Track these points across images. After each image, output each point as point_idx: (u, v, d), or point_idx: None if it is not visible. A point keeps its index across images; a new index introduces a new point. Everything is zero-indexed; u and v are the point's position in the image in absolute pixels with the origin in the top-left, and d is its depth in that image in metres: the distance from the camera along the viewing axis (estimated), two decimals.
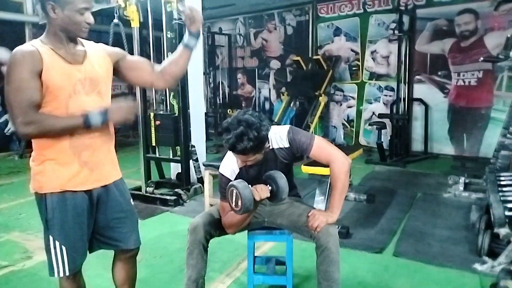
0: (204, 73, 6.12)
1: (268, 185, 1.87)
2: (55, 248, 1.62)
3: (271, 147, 1.94)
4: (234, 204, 1.79)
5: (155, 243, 3.15)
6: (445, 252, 2.96)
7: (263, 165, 1.98)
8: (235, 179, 1.96)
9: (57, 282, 2.56)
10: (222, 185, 2.00)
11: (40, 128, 1.50)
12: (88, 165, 1.64)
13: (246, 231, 2.27)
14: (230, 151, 1.85)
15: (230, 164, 1.99)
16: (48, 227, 1.62)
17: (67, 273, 1.67)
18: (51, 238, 1.63)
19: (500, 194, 3.05)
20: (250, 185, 1.80)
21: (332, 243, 1.88)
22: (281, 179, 1.85)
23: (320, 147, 1.94)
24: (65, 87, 1.56)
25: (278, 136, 1.96)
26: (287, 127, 2.00)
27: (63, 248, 1.62)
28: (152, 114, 4.33)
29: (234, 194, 1.77)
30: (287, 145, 1.97)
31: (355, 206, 4.03)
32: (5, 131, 6.97)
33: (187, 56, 1.82)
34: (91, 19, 1.58)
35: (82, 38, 1.64)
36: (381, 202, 4.12)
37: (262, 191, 1.83)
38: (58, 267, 1.65)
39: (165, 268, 2.77)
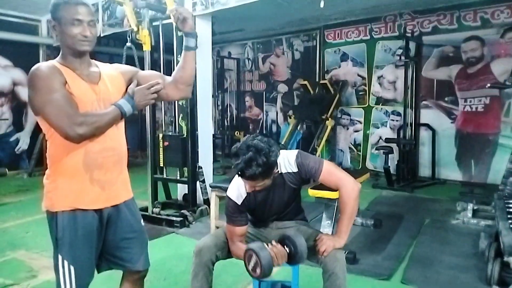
0: (212, 96, 6.20)
1: (285, 246, 1.86)
2: (63, 267, 1.61)
3: (279, 172, 1.94)
4: (251, 268, 1.77)
5: (160, 265, 3.13)
6: (454, 280, 2.91)
7: (271, 189, 1.98)
8: (242, 203, 1.97)
9: None
10: (229, 209, 2.00)
11: (90, 127, 1.53)
12: (99, 184, 1.65)
13: None
14: (239, 176, 1.86)
15: (237, 188, 2.00)
16: (58, 245, 1.62)
17: None
18: (60, 257, 1.62)
19: (510, 221, 3.01)
20: (265, 244, 1.80)
21: (339, 268, 1.87)
22: (300, 241, 1.83)
23: (330, 172, 1.95)
24: (86, 102, 1.60)
25: (287, 161, 1.97)
26: (296, 151, 2.01)
27: (71, 267, 1.61)
28: (161, 135, 4.38)
29: (253, 259, 1.75)
30: (295, 169, 1.97)
31: (362, 231, 4.00)
32: (16, 150, 7.08)
33: (192, 58, 1.83)
34: (86, 32, 1.59)
35: (82, 51, 1.63)
36: (388, 228, 4.08)
37: (280, 257, 1.81)
38: (65, 287, 1.63)
39: None
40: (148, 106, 4.37)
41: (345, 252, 3.16)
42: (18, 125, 7.12)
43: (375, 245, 3.61)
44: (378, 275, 2.97)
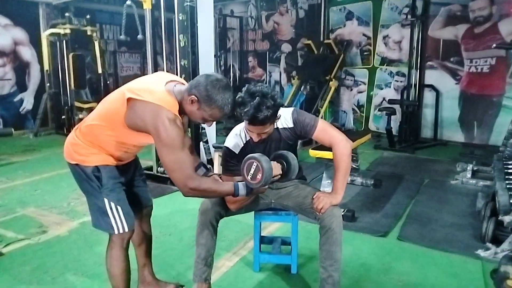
0: (215, 56, 6.13)
1: (278, 163, 1.91)
2: (111, 209, 1.81)
3: (275, 126, 1.98)
4: (251, 177, 1.77)
5: (166, 221, 3.24)
6: (449, 237, 3.01)
7: (268, 144, 2.04)
8: (240, 152, 2.02)
9: (69, 256, 2.68)
10: (227, 158, 2.06)
11: (199, 192, 1.73)
12: (120, 159, 1.89)
13: (253, 212, 2.35)
14: (248, 124, 1.88)
15: (235, 138, 2.06)
16: (102, 191, 1.80)
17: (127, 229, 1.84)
18: (106, 200, 1.80)
19: (507, 182, 3.07)
20: None
21: (335, 224, 1.94)
22: (293, 159, 1.90)
23: (324, 129, 2.00)
24: None
25: (283, 117, 2.00)
26: (291, 108, 2.06)
27: (119, 207, 1.82)
28: None
29: (254, 166, 1.75)
30: (291, 125, 2.02)
31: (362, 190, 4.08)
32: (20, 110, 7.12)
33: None
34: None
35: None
36: (388, 187, 4.16)
37: (276, 169, 1.86)
38: (117, 226, 1.82)
39: (174, 245, 2.86)
40: (150, 65, 4.38)
41: (344, 210, 3.27)
42: (21, 85, 7.12)
43: (374, 204, 3.70)
44: (376, 232, 3.07)
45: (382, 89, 7.08)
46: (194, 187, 1.68)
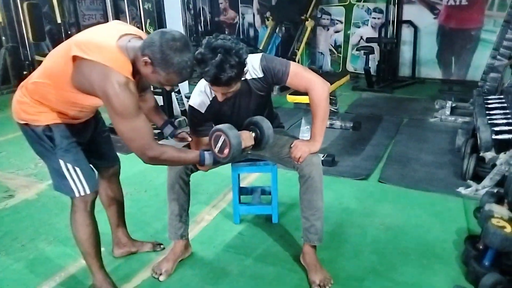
0: None
1: (252, 132, 1.77)
2: (68, 170, 1.65)
3: (243, 78, 1.75)
4: (218, 149, 1.64)
5: (140, 177, 3.10)
6: (430, 176, 2.99)
7: (237, 97, 1.83)
8: (206, 111, 1.84)
9: (39, 220, 2.55)
10: (193, 119, 1.87)
11: (160, 161, 1.61)
12: (75, 118, 1.70)
13: (230, 163, 2.23)
14: (211, 84, 1.66)
15: (199, 95, 1.84)
16: (56, 152, 1.63)
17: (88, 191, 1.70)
18: (61, 162, 1.64)
19: (488, 117, 3.02)
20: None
21: (315, 172, 1.84)
22: (268, 128, 1.75)
23: (297, 74, 1.79)
24: None
25: (251, 66, 1.77)
26: (259, 55, 1.82)
27: (77, 168, 1.66)
28: None
29: (221, 140, 1.62)
30: (261, 74, 1.80)
31: (341, 134, 4.00)
32: None
33: None
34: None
35: None
36: (367, 129, 4.10)
37: (247, 139, 1.72)
38: (77, 187, 1.67)
39: (150, 202, 2.75)
40: (111, 10, 4.05)
41: (324, 156, 3.19)
42: None
43: (354, 147, 3.64)
44: (356, 176, 3.02)
45: (359, 27, 6.83)
46: (153, 157, 1.56)
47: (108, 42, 1.48)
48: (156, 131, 2.39)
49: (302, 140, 1.94)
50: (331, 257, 2.08)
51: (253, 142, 1.76)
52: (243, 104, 1.88)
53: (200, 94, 1.85)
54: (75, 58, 1.46)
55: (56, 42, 7.09)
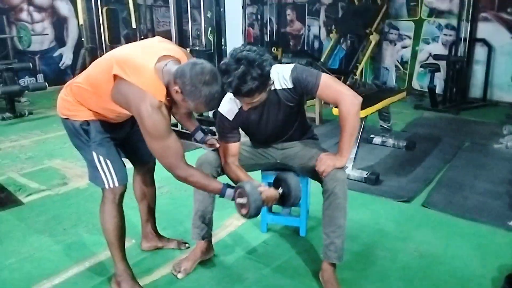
0: (242, 7, 5.84)
1: (279, 188, 1.79)
2: (100, 162, 1.76)
3: (273, 88, 1.76)
4: (238, 204, 1.71)
5: None
6: (481, 206, 2.75)
7: (265, 108, 1.84)
8: (234, 119, 1.86)
9: (84, 208, 2.73)
10: (220, 124, 1.91)
11: (187, 182, 1.71)
12: (113, 120, 1.81)
13: (260, 171, 2.24)
14: (233, 95, 1.70)
15: (229, 103, 1.87)
16: (90, 145, 1.75)
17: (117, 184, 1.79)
18: (94, 154, 1.75)
19: None
20: (259, 186, 1.71)
21: (339, 189, 1.78)
22: (295, 184, 1.76)
23: (327, 85, 1.76)
24: None
25: (281, 76, 1.78)
26: (292, 65, 1.81)
27: (107, 161, 1.77)
28: (188, 50, 4.26)
29: (243, 199, 1.67)
30: (291, 85, 1.79)
31: (393, 152, 3.83)
32: (60, 65, 7.30)
33: None
34: None
35: None
36: (422, 150, 3.88)
37: (271, 200, 1.75)
38: (107, 179, 1.78)
39: (187, 202, 2.79)
40: (173, 18, 4.25)
41: (367, 173, 3.08)
42: (60, 41, 7.25)
43: (403, 167, 3.47)
44: (399, 197, 2.87)
45: (429, 43, 6.52)
46: (181, 176, 1.67)
47: (146, 64, 1.58)
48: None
49: (328, 154, 1.90)
50: (354, 278, 2.00)
51: (276, 200, 1.78)
52: (271, 114, 1.88)
53: (229, 102, 1.88)
54: (115, 77, 1.58)
55: None
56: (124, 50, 1.70)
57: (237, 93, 1.66)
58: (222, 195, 1.73)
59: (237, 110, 1.87)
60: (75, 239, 2.37)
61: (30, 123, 4.97)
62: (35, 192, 2.99)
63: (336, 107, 1.81)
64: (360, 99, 1.78)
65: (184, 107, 1.61)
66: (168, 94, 1.60)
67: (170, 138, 1.60)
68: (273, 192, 1.76)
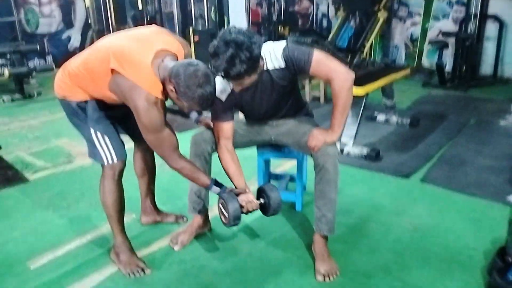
0: None
1: (261, 198, 1.86)
2: (97, 138, 1.82)
3: (265, 68, 1.75)
4: (220, 212, 1.82)
5: (186, 153, 3.25)
6: (481, 181, 2.75)
7: (258, 88, 1.84)
8: (227, 99, 1.87)
9: (87, 185, 2.80)
10: (214, 106, 1.88)
11: (179, 171, 1.81)
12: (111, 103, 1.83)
13: (256, 147, 2.27)
14: (223, 77, 1.69)
15: (222, 83, 1.84)
16: (87, 121, 1.80)
17: (116, 160, 1.85)
18: (92, 130, 1.81)
19: None
20: (238, 197, 1.79)
21: (329, 163, 1.80)
22: (275, 196, 1.82)
23: (320, 62, 1.74)
24: None
25: (273, 55, 1.76)
26: (283, 43, 1.79)
27: (105, 136, 1.82)
28: (191, 29, 4.26)
29: (223, 209, 1.78)
30: (283, 65, 1.77)
31: (396, 130, 3.82)
32: (68, 47, 7.36)
33: None
34: None
35: None
36: (426, 127, 3.85)
37: (250, 204, 1.80)
38: (105, 154, 1.84)
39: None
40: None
41: (368, 150, 3.08)
42: (67, 23, 7.30)
43: (405, 144, 3.46)
44: (397, 173, 2.88)
45: (439, 20, 6.37)
46: (173, 167, 1.77)
47: (143, 61, 1.62)
48: None
49: (319, 129, 1.91)
50: (345, 249, 2.04)
51: (257, 208, 1.85)
52: (265, 94, 1.88)
53: (222, 82, 1.86)
54: (113, 71, 1.62)
55: (138, 26, 7.61)
56: (120, 41, 1.72)
57: (226, 76, 1.65)
58: (209, 188, 1.83)
59: (229, 91, 1.86)
60: (78, 214, 2.45)
61: (38, 104, 5.06)
62: (41, 169, 3.08)
63: (329, 83, 1.80)
64: (352, 75, 1.78)
65: (179, 104, 1.66)
66: (164, 89, 1.65)
67: (165, 131, 1.69)
68: (253, 204, 1.82)
